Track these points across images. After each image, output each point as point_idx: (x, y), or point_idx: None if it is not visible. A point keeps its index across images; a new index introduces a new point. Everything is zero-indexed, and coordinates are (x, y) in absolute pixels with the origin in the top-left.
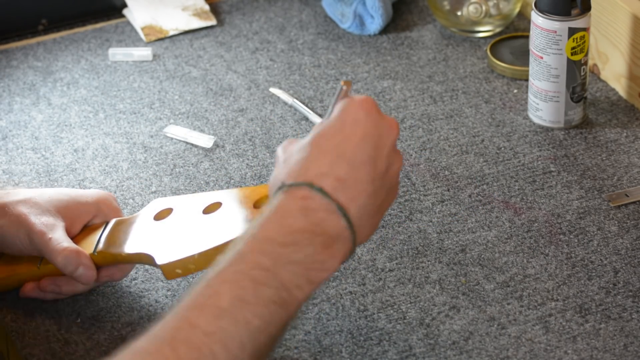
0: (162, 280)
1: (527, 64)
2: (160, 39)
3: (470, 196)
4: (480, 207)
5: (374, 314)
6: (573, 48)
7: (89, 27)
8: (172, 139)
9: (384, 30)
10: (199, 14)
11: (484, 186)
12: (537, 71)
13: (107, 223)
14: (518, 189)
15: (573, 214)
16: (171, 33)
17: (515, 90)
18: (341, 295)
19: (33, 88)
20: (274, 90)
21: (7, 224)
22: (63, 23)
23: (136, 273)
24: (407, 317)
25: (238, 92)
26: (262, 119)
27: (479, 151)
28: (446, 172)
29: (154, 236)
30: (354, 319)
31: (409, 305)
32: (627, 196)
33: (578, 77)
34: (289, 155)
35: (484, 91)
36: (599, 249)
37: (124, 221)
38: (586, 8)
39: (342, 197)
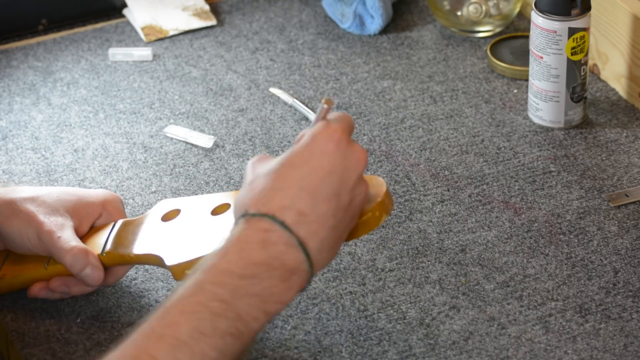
0: (162, 280)
1: (527, 64)
2: (160, 39)
3: (470, 196)
4: (480, 207)
5: (374, 314)
6: (573, 48)
7: (89, 27)
8: (172, 139)
9: (384, 30)
10: (199, 14)
11: (484, 186)
12: (537, 71)
13: (114, 224)
14: (518, 189)
15: (573, 214)
16: (171, 33)
17: (515, 90)
18: (341, 295)
19: (33, 88)
20: (274, 90)
21: (16, 221)
22: (63, 23)
23: (136, 273)
24: (407, 317)
25: (238, 92)
26: (262, 119)
27: (479, 151)
28: (446, 172)
29: (162, 237)
30: (354, 319)
31: (409, 305)
32: (627, 196)
33: (578, 77)
34: (255, 177)
35: (484, 91)
36: (599, 249)
37: (132, 222)
38: (586, 8)
39: (303, 232)
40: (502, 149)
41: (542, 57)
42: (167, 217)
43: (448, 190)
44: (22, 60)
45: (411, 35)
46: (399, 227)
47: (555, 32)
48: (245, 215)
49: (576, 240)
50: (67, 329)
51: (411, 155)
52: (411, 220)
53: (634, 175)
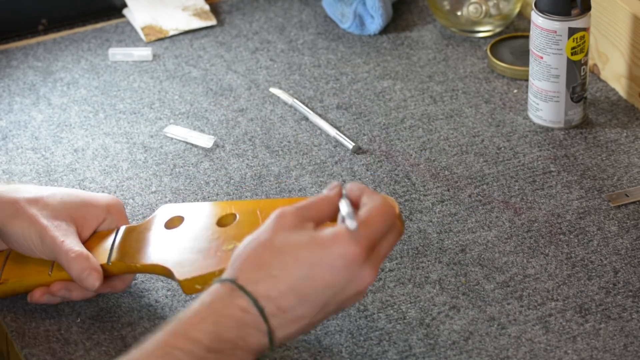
0: (162, 280)
1: (527, 64)
2: (160, 39)
3: (470, 196)
4: (480, 207)
5: (374, 314)
6: (573, 48)
7: (89, 27)
8: (172, 139)
9: (384, 30)
10: (199, 14)
11: (484, 186)
12: (537, 71)
13: (117, 230)
14: (518, 189)
15: (573, 214)
16: (171, 33)
17: (515, 90)
18: None
19: (33, 88)
20: (274, 90)
21: (19, 223)
22: (63, 23)
23: (137, 275)
24: (407, 317)
25: (238, 92)
26: (262, 119)
27: (479, 151)
28: (446, 172)
29: (169, 246)
30: (354, 319)
31: (409, 305)
32: (627, 196)
33: (578, 77)
34: (268, 243)
35: (484, 91)
36: (599, 249)
37: (135, 229)
38: (586, 8)
39: (276, 324)
40: (502, 149)
41: (542, 57)
42: (170, 225)
43: (448, 190)
44: (22, 60)
45: (411, 35)
46: None
47: (555, 32)
48: (233, 283)
49: (576, 240)
50: (67, 329)
51: (411, 155)
52: (411, 220)
53: (634, 175)
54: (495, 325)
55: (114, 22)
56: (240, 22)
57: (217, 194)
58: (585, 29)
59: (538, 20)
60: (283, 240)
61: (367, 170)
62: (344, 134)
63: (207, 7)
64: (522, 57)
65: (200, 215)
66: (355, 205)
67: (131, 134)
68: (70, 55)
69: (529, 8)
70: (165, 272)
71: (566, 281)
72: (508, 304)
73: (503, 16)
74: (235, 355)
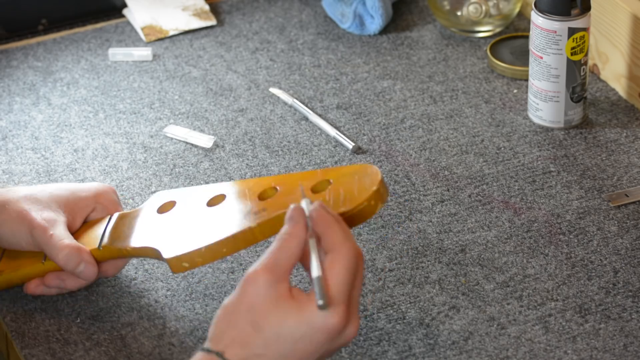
0: (162, 280)
1: (527, 64)
2: (160, 39)
3: (470, 196)
4: (480, 207)
5: (374, 314)
6: (573, 48)
7: (89, 27)
8: (172, 139)
9: (384, 30)
10: (199, 14)
11: (484, 186)
12: (537, 71)
13: (110, 217)
14: (518, 189)
15: (573, 214)
16: (171, 33)
17: (515, 90)
18: None
19: (33, 88)
20: (274, 90)
21: (8, 220)
22: (63, 23)
23: (136, 273)
24: (407, 317)
25: (238, 92)
26: (262, 119)
27: (479, 151)
28: (446, 172)
29: (159, 229)
30: None
31: (409, 305)
32: (627, 196)
33: (578, 77)
34: (248, 310)
35: (484, 91)
36: (599, 249)
37: (127, 215)
38: (586, 8)
39: None
40: (502, 149)
41: (542, 57)
42: (162, 209)
43: (448, 190)
44: (22, 60)
45: (411, 35)
46: (398, 227)
47: (555, 32)
48: (218, 355)
49: (576, 240)
50: (67, 329)
51: (411, 155)
52: (411, 220)
53: (634, 175)
54: (495, 325)
55: (114, 22)
56: (240, 22)
57: None
58: (585, 29)
59: (538, 20)
60: (262, 315)
61: None
62: (344, 134)
63: (207, 7)
64: (522, 57)
65: (191, 199)
66: (318, 238)
67: (131, 134)
68: (70, 55)
69: (529, 8)
70: (154, 254)
71: (566, 281)
72: (508, 304)
73: (503, 16)
74: None
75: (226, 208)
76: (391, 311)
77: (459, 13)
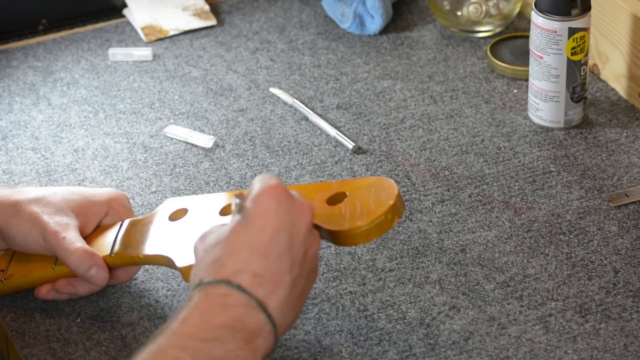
0: (162, 280)
1: (527, 64)
2: (160, 39)
3: (470, 196)
4: (480, 207)
5: (374, 314)
6: (573, 48)
7: (89, 27)
8: (172, 139)
9: (384, 30)
10: (199, 14)
11: (484, 186)
12: (537, 71)
13: (121, 223)
14: (518, 189)
15: (573, 214)
16: (171, 33)
17: (515, 90)
18: (341, 295)
19: (33, 88)
20: (274, 90)
21: (21, 222)
22: (63, 23)
23: (136, 273)
24: (407, 317)
25: (238, 92)
26: (262, 119)
27: (479, 151)
28: (446, 172)
29: (171, 237)
30: (354, 319)
31: (409, 305)
32: (627, 196)
33: (578, 77)
34: (205, 252)
35: (484, 91)
36: (599, 249)
37: (139, 221)
38: (586, 8)
39: (261, 292)
40: (502, 149)
41: (542, 57)
42: (174, 217)
43: (448, 190)
44: (22, 60)
45: (411, 35)
46: (399, 227)
47: (555, 32)
48: (201, 285)
49: (576, 240)
50: (67, 329)
51: (411, 155)
52: (411, 220)
53: (634, 175)
54: (495, 325)
55: (114, 22)
56: (240, 22)
57: None
58: (585, 29)
59: (538, 20)
60: (213, 237)
61: (367, 170)
62: (344, 134)
63: (207, 7)
64: (522, 57)
65: (203, 207)
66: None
67: (131, 134)
68: (70, 55)
69: (529, 8)
70: (166, 262)
71: (566, 281)
72: (508, 304)
73: (503, 16)
74: (237, 340)
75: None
76: (391, 311)
77: (459, 13)
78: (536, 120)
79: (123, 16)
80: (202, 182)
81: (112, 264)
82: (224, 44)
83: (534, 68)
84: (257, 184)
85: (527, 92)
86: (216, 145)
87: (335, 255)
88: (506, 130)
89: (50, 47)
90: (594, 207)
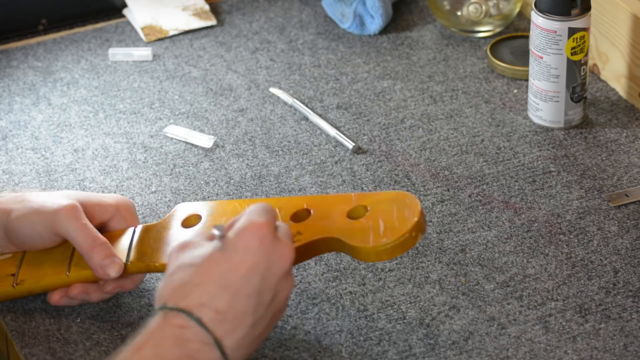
0: (162, 280)
1: (527, 64)
2: (160, 39)
3: (470, 196)
4: (480, 207)
5: (374, 314)
6: (573, 48)
7: (89, 27)
8: (172, 139)
9: (384, 30)
10: (199, 14)
11: (484, 186)
12: (537, 71)
13: (134, 230)
14: (518, 189)
15: (573, 214)
16: (171, 33)
17: (515, 90)
18: (341, 295)
19: (33, 88)
20: (274, 90)
21: (27, 213)
22: (63, 23)
23: (141, 281)
24: (407, 317)
25: (238, 92)
26: (262, 119)
27: (479, 151)
28: (446, 172)
29: None
30: (354, 319)
31: (409, 305)
32: (627, 196)
33: (578, 77)
34: (177, 269)
35: (484, 91)
36: (599, 249)
37: (152, 228)
38: (586, 8)
39: (220, 330)
40: (502, 149)
41: (542, 57)
42: (187, 223)
43: (448, 190)
44: (22, 60)
45: (411, 35)
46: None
47: (555, 32)
48: (163, 309)
49: (576, 240)
50: (67, 329)
51: (411, 155)
52: None
53: (634, 175)
54: (495, 325)
55: (114, 22)
56: (240, 22)
57: (217, 194)
58: (585, 29)
59: (538, 20)
60: (190, 257)
61: (367, 170)
62: (344, 134)
63: (207, 7)
64: (522, 57)
65: (217, 214)
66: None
67: (131, 134)
68: (70, 55)
69: (529, 8)
70: None
71: (566, 281)
72: (508, 304)
73: (503, 16)
74: None
75: None
76: (391, 311)
77: (459, 13)
78: (536, 120)
79: (123, 16)
80: (202, 182)
81: (127, 272)
82: (224, 44)
83: (534, 68)
84: (246, 217)
85: (527, 92)
86: (216, 145)
87: (335, 255)
88: (506, 130)
89: (50, 47)
90: (594, 207)
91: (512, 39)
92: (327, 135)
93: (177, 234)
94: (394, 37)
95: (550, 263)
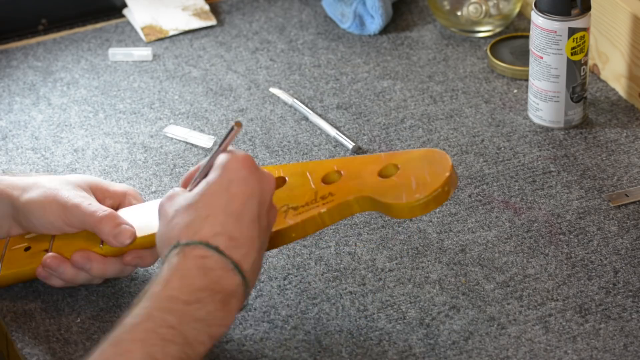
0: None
1: (527, 64)
2: (160, 39)
3: (470, 196)
4: (480, 207)
5: (374, 314)
6: (573, 48)
7: (89, 27)
8: (172, 139)
9: (384, 30)
10: (199, 14)
11: (484, 186)
12: (537, 71)
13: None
14: (518, 189)
15: (573, 214)
16: (171, 33)
17: (515, 90)
18: (341, 295)
19: (33, 88)
20: (274, 90)
21: (39, 199)
22: (63, 23)
23: (136, 273)
24: (407, 317)
25: (238, 92)
26: (262, 119)
27: (479, 151)
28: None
29: None
30: (354, 319)
31: (409, 305)
32: (627, 196)
33: (578, 77)
34: (175, 213)
35: (484, 91)
36: (599, 249)
37: None
38: (586, 8)
39: (236, 255)
40: (502, 149)
41: (542, 57)
42: None
43: None
44: (22, 60)
45: (411, 35)
46: (399, 227)
47: (555, 32)
48: (178, 246)
49: (576, 240)
50: (67, 329)
51: None
52: (411, 220)
53: (634, 175)
54: (495, 325)
55: (114, 22)
56: (240, 22)
57: None
58: (585, 29)
59: (538, 20)
60: (184, 199)
61: None
62: (344, 134)
63: (207, 7)
64: (522, 57)
65: None
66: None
67: (131, 134)
68: (70, 55)
69: (529, 8)
70: None
71: (566, 281)
72: (508, 304)
73: (503, 16)
74: (216, 302)
75: (289, 190)
76: (391, 311)
77: (459, 13)
78: (536, 120)
79: (123, 16)
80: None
81: (152, 244)
82: (224, 44)
83: (534, 68)
84: (224, 155)
85: (527, 92)
86: (216, 145)
87: (335, 255)
88: (506, 130)
89: (50, 47)
90: (594, 207)
91: (512, 39)
92: (327, 135)
93: None
94: (394, 37)
95: (550, 263)
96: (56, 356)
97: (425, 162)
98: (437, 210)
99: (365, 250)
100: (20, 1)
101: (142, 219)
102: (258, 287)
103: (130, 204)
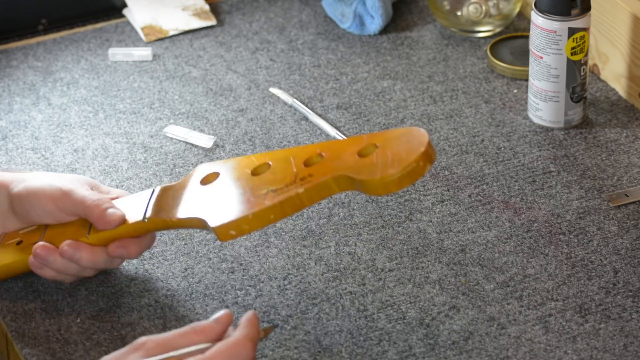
0: (162, 280)
1: (527, 64)
2: (160, 39)
3: (470, 196)
4: (480, 207)
5: (373, 314)
6: (573, 48)
7: (89, 27)
8: (172, 139)
9: (384, 30)
10: (199, 14)
11: (484, 186)
12: (537, 71)
13: (152, 190)
14: (518, 189)
15: (573, 214)
16: (171, 33)
17: (515, 90)
18: (341, 295)
19: (33, 88)
20: (274, 90)
21: (36, 185)
22: (63, 23)
23: (136, 273)
24: (407, 317)
25: (238, 92)
26: (262, 119)
27: (479, 151)
28: (446, 172)
29: (204, 200)
30: (354, 319)
31: (409, 305)
32: (627, 196)
33: (578, 77)
34: None
35: (484, 91)
36: (599, 249)
37: (170, 187)
38: (586, 8)
39: None
40: (502, 149)
41: (542, 57)
42: (206, 181)
43: (448, 190)
44: (22, 60)
45: (411, 35)
46: (399, 227)
47: (555, 32)
48: None
49: (576, 240)
50: (67, 329)
51: None
52: (411, 220)
53: (634, 175)
54: (495, 325)
55: (114, 22)
56: (240, 22)
57: None
58: (585, 29)
59: (538, 20)
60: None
61: None
62: (344, 134)
63: (207, 7)
64: (522, 57)
65: (235, 169)
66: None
67: (131, 134)
68: (70, 55)
69: (529, 8)
70: (200, 224)
71: (566, 281)
72: (508, 304)
73: (503, 16)
74: None
75: (272, 174)
76: (391, 311)
77: (459, 13)
78: (536, 120)
79: (123, 16)
80: None
81: (145, 230)
82: (224, 44)
83: (533, 68)
84: (243, 329)
85: (527, 92)
86: (216, 145)
87: (335, 255)
88: (506, 130)
89: (50, 47)
90: (594, 207)
91: (512, 39)
92: (327, 135)
93: (196, 191)
94: (394, 37)
95: (550, 263)
96: (56, 356)
97: (403, 139)
98: (437, 210)
99: (365, 250)
100: (20, 1)
101: (130, 207)
102: (258, 287)
103: None
